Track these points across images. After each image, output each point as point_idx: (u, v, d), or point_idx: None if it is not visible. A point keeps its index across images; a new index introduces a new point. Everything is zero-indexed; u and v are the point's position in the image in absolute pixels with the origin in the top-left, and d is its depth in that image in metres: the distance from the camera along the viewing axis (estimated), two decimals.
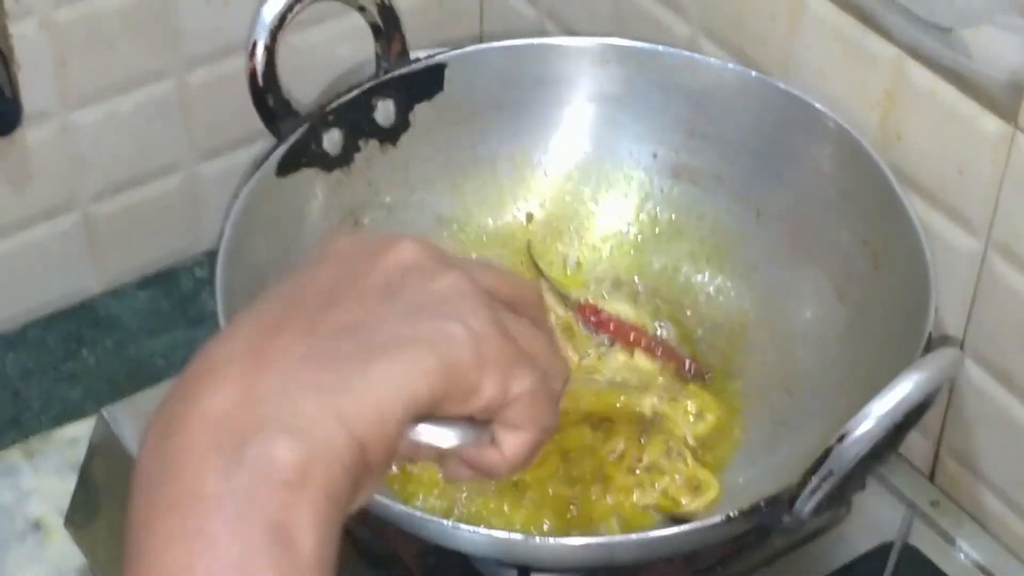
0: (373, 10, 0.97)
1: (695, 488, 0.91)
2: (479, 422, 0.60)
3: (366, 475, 0.56)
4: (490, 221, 1.04)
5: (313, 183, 0.97)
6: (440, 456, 0.61)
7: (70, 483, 1.05)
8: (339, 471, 0.54)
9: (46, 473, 1.12)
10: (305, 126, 0.96)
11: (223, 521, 0.53)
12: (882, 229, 0.93)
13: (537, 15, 1.15)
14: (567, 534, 0.89)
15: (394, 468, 0.61)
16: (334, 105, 0.97)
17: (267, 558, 0.52)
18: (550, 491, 0.91)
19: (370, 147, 1.00)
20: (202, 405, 0.54)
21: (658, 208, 1.03)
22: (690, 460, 0.92)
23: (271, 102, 0.94)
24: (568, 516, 0.90)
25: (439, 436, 0.59)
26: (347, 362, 0.55)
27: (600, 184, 1.04)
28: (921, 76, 0.89)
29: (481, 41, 1.09)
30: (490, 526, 0.88)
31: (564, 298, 1.00)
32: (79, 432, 1.14)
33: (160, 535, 0.53)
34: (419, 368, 0.56)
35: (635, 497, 0.91)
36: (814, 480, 0.77)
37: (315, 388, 0.55)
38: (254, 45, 0.92)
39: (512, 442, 0.61)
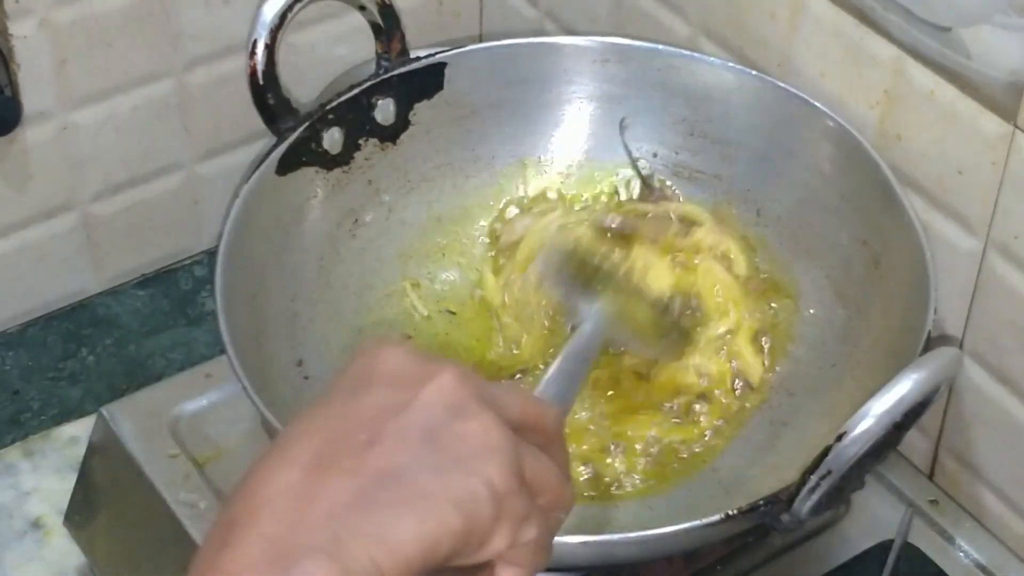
0: (373, 9, 0.97)
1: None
2: (479, 567, 0.67)
3: None
4: (489, 220, 1.04)
5: (313, 182, 0.97)
6: None
7: (69, 482, 1.05)
8: None
9: (45, 472, 1.12)
10: (305, 125, 0.96)
11: None
12: (882, 229, 0.93)
13: (537, 15, 1.15)
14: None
15: None
16: (334, 104, 0.97)
17: None
18: None
19: (370, 146, 1.00)
20: (258, 527, 0.63)
21: None
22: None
23: (271, 101, 0.94)
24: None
25: None
26: (384, 513, 0.63)
27: (600, 183, 1.04)
28: (921, 76, 0.89)
29: (481, 41, 1.09)
30: None
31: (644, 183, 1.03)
32: (78, 431, 1.14)
33: None
34: (444, 528, 0.63)
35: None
36: (813, 479, 0.77)
37: (355, 531, 0.63)
38: (254, 44, 0.92)
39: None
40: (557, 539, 0.79)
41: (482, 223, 1.03)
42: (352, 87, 0.98)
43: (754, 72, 0.98)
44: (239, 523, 0.64)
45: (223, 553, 0.63)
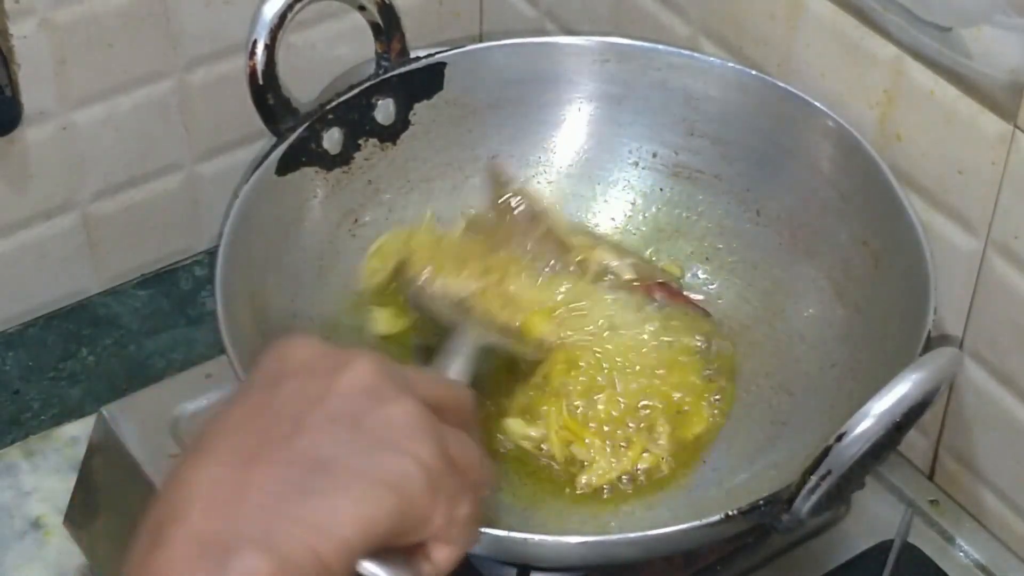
0: (373, 9, 0.97)
1: None
2: (413, 549, 0.68)
3: None
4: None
5: (313, 182, 0.97)
6: None
7: (69, 482, 1.05)
8: None
9: (45, 472, 1.12)
10: (305, 125, 0.96)
11: None
12: (882, 229, 0.93)
13: (537, 15, 1.16)
14: None
15: None
16: (334, 104, 0.97)
17: None
18: None
19: (370, 146, 1.00)
20: (189, 524, 0.62)
21: (658, 208, 1.03)
22: None
23: (271, 101, 0.94)
24: None
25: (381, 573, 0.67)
26: (319, 500, 0.63)
27: (600, 183, 1.04)
28: (921, 76, 0.89)
29: (481, 41, 1.09)
30: None
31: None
32: (79, 431, 1.14)
33: None
34: (381, 509, 0.64)
35: None
36: (813, 479, 0.77)
37: (291, 520, 0.63)
38: (254, 44, 0.92)
39: (446, 555, 0.69)
40: (556, 539, 0.80)
41: None
42: (352, 87, 0.98)
43: (754, 72, 0.98)
44: (167, 522, 0.63)
45: (153, 554, 0.62)
